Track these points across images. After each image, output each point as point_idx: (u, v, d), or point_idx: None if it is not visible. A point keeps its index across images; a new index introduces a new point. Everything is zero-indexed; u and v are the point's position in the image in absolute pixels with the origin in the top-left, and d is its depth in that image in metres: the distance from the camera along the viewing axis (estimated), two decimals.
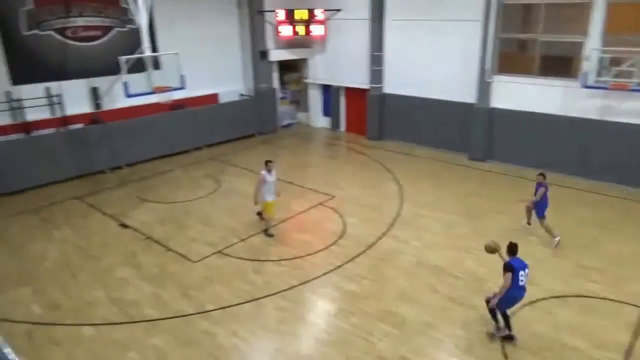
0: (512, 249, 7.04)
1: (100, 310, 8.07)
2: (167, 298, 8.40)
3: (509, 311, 7.17)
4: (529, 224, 10.37)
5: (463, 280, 8.80)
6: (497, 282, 8.67)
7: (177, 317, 7.88)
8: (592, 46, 12.68)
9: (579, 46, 13.22)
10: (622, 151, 12.98)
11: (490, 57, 14.52)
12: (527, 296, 8.18)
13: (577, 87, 13.18)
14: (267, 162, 10.21)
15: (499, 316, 7.20)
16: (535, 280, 8.71)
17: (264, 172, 10.11)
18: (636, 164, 12.81)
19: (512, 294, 6.94)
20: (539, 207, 9.98)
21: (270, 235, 10.62)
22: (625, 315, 7.72)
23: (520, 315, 7.75)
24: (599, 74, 12.46)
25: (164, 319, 7.83)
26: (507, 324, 7.19)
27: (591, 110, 13.31)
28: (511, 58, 15.11)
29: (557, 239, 9.85)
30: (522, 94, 14.38)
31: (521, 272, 6.88)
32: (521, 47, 15.24)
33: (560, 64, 14.12)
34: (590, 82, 12.54)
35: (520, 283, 6.91)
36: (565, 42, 13.64)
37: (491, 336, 7.29)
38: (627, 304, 8.05)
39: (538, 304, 8.08)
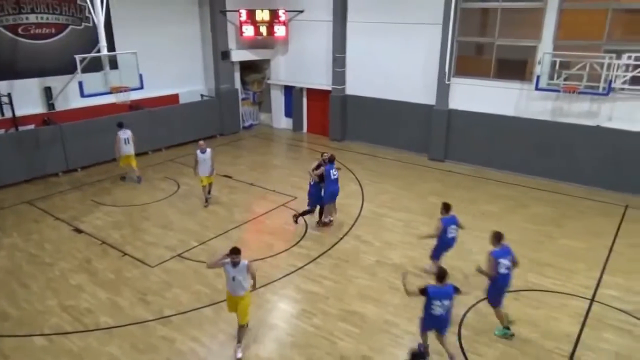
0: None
1: (53, 320, 7.76)
2: (123, 305, 8.17)
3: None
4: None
5: (422, 279, 8.91)
6: (454, 278, 8.89)
7: (134, 324, 7.67)
8: (545, 50, 13.16)
9: (532, 50, 13.70)
10: (573, 151, 13.53)
11: (449, 60, 14.85)
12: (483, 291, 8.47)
13: (530, 90, 13.67)
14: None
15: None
16: None
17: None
18: (586, 162, 13.39)
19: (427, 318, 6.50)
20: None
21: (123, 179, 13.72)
22: (574, 308, 8.08)
23: (477, 310, 7.97)
24: (551, 77, 12.98)
25: (120, 326, 7.61)
26: None
27: (544, 112, 13.82)
28: (469, 61, 15.50)
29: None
30: (479, 96, 14.76)
31: (436, 302, 6.26)
32: (478, 50, 15.65)
33: (515, 67, 14.56)
34: (543, 84, 13.03)
35: (433, 312, 6.32)
36: (520, 46, 14.10)
37: None
38: (576, 296, 8.40)
39: None
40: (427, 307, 6.38)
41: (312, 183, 10.65)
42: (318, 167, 10.57)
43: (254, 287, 7.07)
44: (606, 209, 12.15)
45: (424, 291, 6.29)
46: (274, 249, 10.05)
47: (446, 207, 8.53)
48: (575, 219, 11.53)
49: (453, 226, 8.41)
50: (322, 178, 10.51)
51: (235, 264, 6.63)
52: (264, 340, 7.38)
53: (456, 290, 6.40)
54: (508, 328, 7.37)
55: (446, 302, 6.30)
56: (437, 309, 6.30)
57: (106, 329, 7.54)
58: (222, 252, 6.84)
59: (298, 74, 18.90)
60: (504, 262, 6.95)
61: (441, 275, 6.35)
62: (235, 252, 6.62)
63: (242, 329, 7.01)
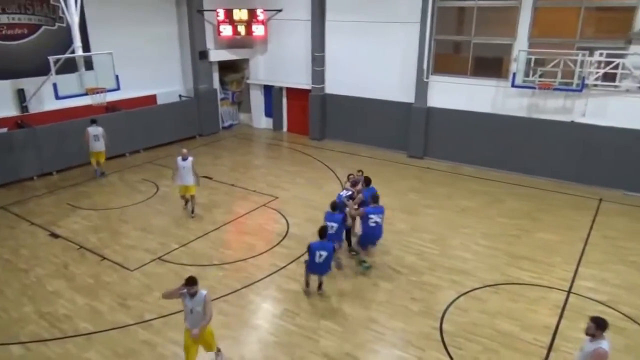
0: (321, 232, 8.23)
1: (30, 327, 7.59)
2: (102, 309, 8.04)
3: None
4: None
5: (403, 275, 9.03)
6: (435, 274, 9.03)
7: (114, 329, 7.56)
8: (520, 48, 13.39)
9: (508, 48, 13.92)
10: (548, 146, 13.78)
11: (427, 58, 14.98)
12: (464, 286, 8.60)
13: (507, 87, 13.88)
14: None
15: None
16: (471, 271, 9.13)
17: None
18: (560, 158, 13.66)
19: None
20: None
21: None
22: (552, 300, 8.24)
23: (457, 305, 8.08)
24: (526, 75, 13.20)
25: (99, 331, 7.49)
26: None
27: (520, 109, 14.05)
28: (447, 59, 15.66)
29: None
30: (456, 93, 14.93)
31: (317, 253, 7.96)
32: (456, 48, 15.82)
33: (491, 65, 14.77)
34: (519, 81, 13.25)
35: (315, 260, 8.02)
36: (496, 44, 14.30)
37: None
38: (554, 288, 8.58)
39: (473, 293, 8.43)
40: (311, 256, 8.05)
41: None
42: (354, 184, 9.93)
43: (206, 322, 6.19)
44: (581, 202, 12.42)
45: (308, 247, 8.07)
46: (255, 250, 10.01)
47: (353, 182, 9.97)
48: (550, 213, 11.75)
49: (343, 192, 9.83)
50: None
51: (192, 295, 6.06)
52: (248, 341, 7.35)
53: (334, 249, 8.22)
54: (365, 262, 9.20)
55: (324, 253, 7.95)
56: (318, 258, 7.97)
57: (85, 335, 7.41)
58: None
59: (277, 73, 18.84)
60: (374, 217, 8.80)
61: (321, 232, 8.12)
62: (190, 282, 6.00)
63: (216, 353, 6.80)
